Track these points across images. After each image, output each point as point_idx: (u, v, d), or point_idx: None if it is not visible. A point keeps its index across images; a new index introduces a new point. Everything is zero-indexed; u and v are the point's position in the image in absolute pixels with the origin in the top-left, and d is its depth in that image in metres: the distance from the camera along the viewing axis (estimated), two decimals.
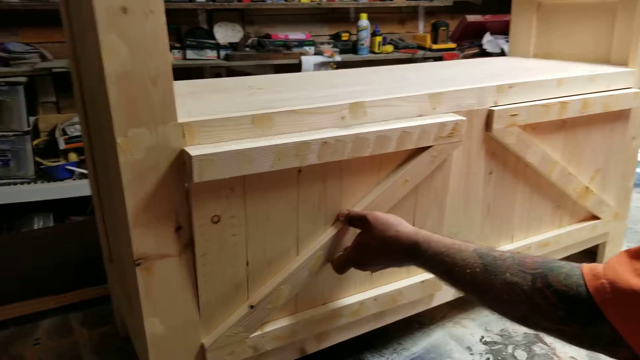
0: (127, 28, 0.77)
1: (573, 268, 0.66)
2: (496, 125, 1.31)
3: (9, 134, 2.61)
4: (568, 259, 1.77)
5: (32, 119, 2.81)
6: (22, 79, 2.66)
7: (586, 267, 0.64)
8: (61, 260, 1.71)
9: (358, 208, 1.14)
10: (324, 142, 1.00)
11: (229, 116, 0.92)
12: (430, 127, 1.16)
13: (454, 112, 1.24)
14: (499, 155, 1.39)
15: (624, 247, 1.96)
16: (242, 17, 3.33)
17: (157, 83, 0.81)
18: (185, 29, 3.18)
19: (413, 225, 1.26)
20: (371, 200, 1.14)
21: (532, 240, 1.55)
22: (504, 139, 1.35)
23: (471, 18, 4.02)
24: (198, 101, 1.08)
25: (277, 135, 0.98)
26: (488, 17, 4.06)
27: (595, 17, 1.72)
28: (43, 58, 2.82)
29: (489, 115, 1.30)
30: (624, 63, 1.64)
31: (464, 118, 1.21)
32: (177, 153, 0.87)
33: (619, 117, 1.63)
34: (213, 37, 3.17)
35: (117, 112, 0.79)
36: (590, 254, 1.85)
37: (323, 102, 1.04)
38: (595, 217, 1.69)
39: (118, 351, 1.36)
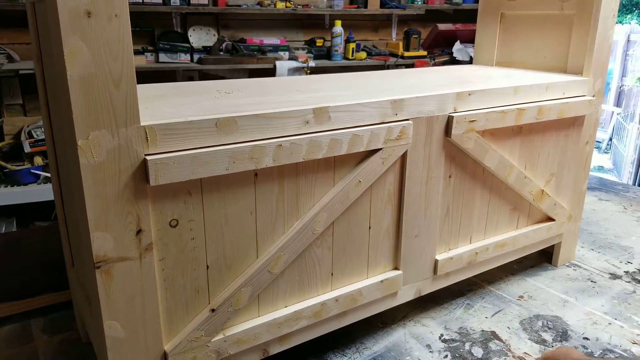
0: (91, 31, 0.78)
1: None
2: (455, 131, 1.36)
3: None
4: (525, 258, 1.86)
5: None
6: None
7: None
8: (23, 266, 1.68)
9: (316, 209, 1.17)
10: (279, 145, 1.03)
11: (192, 119, 0.94)
12: (379, 130, 1.21)
13: (414, 118, 1.29)
14: (458, 159, 1.44)
15: (578, 248, 2.05)
16: (217, 21, 3.35)
17: (120, 86, 0.83)
18: (159, 32, 3.18)
19: (369, 227, 1.31)
20: (328, 200, 1.18)
21: (490, 240, 1.61)
22: (463, 144, 1.40)
23: (442, 27, 4.12)
24: (164, 104, 1.09)
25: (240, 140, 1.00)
26: (458, 26, 4.17)
27: (553, 29, 1.80)
28: (10, 59, 2.78)
29: (449, 121, 1.36)
30: (579, 72, 1.72)
31: (410, 122, 1.27)
32: (138, 156, 0.88)
33: (573, 123, 1.70)
34: (187, 41, 3.17)
35: (79, 115, 0.81)
36: (546, 255, 1.93)
37: (288, 107, 1.07)
38: (550, 219, 1.76)
39: (78, 358, 1.35)
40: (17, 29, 2.87)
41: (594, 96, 1.71)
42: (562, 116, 1.60)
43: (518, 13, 1.91)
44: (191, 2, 3.04)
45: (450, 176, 1.44)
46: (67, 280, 1.47)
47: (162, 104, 1.09)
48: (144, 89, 1.29)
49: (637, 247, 2.08)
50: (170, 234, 0.97)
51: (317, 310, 1.24)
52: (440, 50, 4.24)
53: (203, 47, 3.21)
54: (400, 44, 4.02)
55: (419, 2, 4.06)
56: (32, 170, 2.64)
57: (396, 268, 1.40)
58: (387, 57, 3.90)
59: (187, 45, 3.14)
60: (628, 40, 6.55)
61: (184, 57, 3.10)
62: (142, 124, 0.88)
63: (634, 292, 1.74)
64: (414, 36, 4.02)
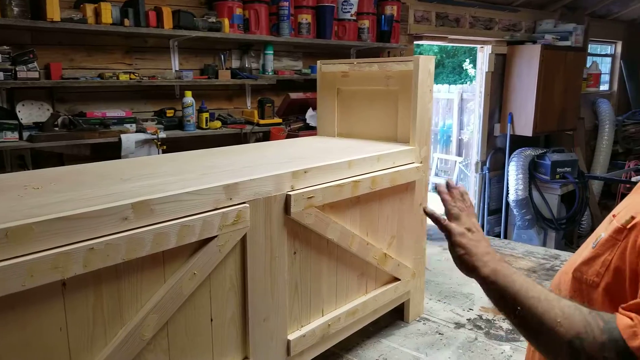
0: None
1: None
2: (294, 209, 1.37)
3: None
4: (378, 320, 1.91)
5: None
6: None
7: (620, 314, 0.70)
8: None
9: (144, 312, 1.06)
10: (91, 249, 0.93)
11: None
12: (212, 217, 1.16)
13: (251, 200, 1.27)
14: (301, 235, 1.45)
15: (427, 301, 2.16)
16: (50, 95, 3.09)
17: None
18: None
19: (212, 319, 1.22)
20: (158, 299, 1.08)
21: (342, 310, 1.62)
22: (304, 220, 1.41)
23: (294, 95, 4.32)
24: None
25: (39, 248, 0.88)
26: (309, 94, 4.39)
27: (382, 103, 1.96)
28: None
29: (287, 200, 1.36)
30: (406, 141, 1.88)
31: (247, 205, 1.25)
32: None
33: (406, 188, 1.84)
34: (15, 117, 2.86)
35: None
36: (399, 311, 1.99)
37: (102, 204, 0.98)
38: (396, 279, 1.85)
39: None
40: None
41: (421, 163, 1.86)
42: (394, 184, 1.72)
43: (351, 89, 2.06)
44: (18, 76, 2.78)
45: (295, 252, 1.44)
46: None
47: None
48: None
49: (477, 293, 2.26)
50: None
51: None
52: (294, 117, 4.42)
53: (34, 123, 2.92)
54: (256, 112, 4.10)
55: (270, 73, 4.22)
56: None
57: (246, 357, 1.33)
58: (243, 125, 3.94)
59: (15, 122, 2.83)
60: (462, 99, 7.56)
61: (11, 135, 2.78)
62: None
63: (476, 339, 1.87)
64: (267, 104, 4.14)
